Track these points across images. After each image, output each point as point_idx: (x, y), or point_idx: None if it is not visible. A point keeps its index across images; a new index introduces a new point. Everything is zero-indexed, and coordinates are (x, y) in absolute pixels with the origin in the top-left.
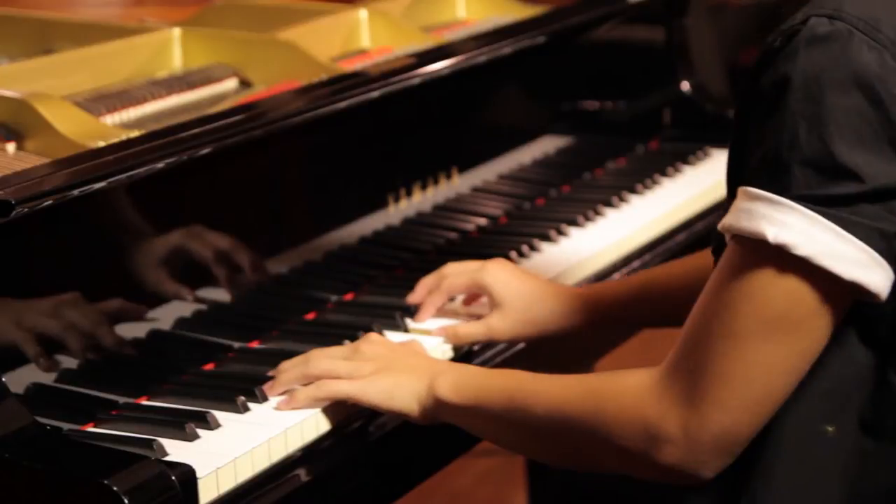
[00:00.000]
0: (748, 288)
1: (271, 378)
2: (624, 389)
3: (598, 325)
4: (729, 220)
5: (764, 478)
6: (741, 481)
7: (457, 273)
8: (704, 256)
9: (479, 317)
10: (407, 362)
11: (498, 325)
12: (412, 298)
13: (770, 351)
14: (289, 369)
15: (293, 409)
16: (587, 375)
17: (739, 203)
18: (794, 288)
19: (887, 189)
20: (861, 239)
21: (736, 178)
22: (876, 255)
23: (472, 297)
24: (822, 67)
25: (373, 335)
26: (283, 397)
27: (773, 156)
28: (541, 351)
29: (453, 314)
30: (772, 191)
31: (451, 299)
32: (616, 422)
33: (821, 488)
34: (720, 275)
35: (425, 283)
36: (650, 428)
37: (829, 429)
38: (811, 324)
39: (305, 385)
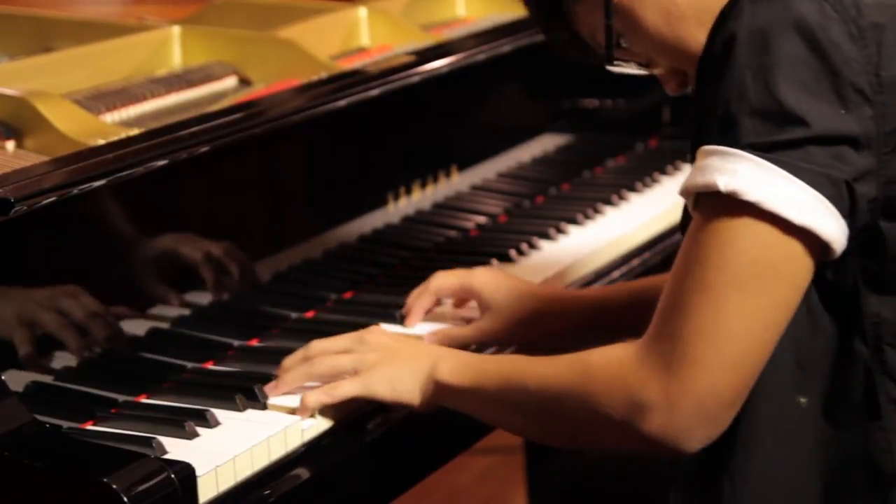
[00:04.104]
0: (714, 241)
1: (271, 376)
2: (609, 360)
3: (583, 328)
4: (686, 182)
5: (742, 454)
6: (721, 459)
7: (444, 276)
8: None
9: (469, 321)
10: (409, 350)
11: (488, 326)
12: (405, 311)
13: (744, 302)
14: (292, 368)
15: (307, 417)
16: (578, 352)
17: (696, 163)
18: (754, 236)
19: (834, 135)
20: (810, 184)
21: (697, 149)
22: (826, 201)
23: (460, 303)
24: (765, 20)
25: (377, 327)
26: (284, 396)
27: (723, 110)
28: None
29: (443, 318)
30: (723, 144)
31: (440, 303)
32: (601, 392)
33: (798, 460)
34: (688, 239)
35: (414, 295)
36: (633, 395)
37: (802, 400)
38: (780, 273)
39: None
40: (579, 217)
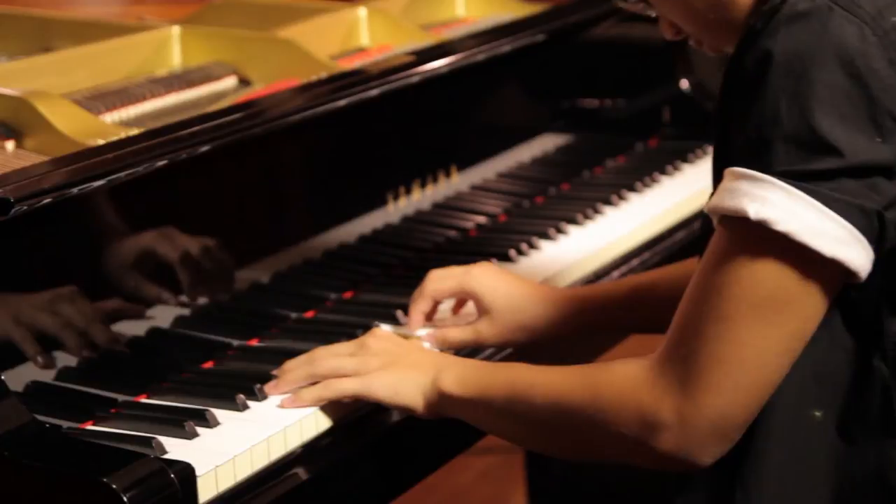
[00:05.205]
0: (736, 270)
1: (271, 376)
2: (621, 378)
3: (586, 329)
4: (714, 202)
5: (755, 465)
6: (734, 469)
7: (440, 278)
8: (694, 263)
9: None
10: (412, 357)
11: (486, 330)
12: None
13: (762, 332)
14: (294, 368)
15: (300, 408)
16: (587, 365)
17: (724, 183)
18: (779, 266)
19: (867, 165)
20: (842, 215)
21: (721, 163)
22: (857, 232)
23: (458, 305)
24: (803, 43)
25: (379, 330)
26: (286, 396)
27: (756, 133)
28: (540, 351)
29: (442, 323)
30: (754, 168)
31: (438, 303)
32: (613, 410)
33: (810, 474)
34: (708, 259)
35: (412, 299)
36: (646, 416)
37: (817, 414)
38: (800, 303)
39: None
40: (579, 217)
